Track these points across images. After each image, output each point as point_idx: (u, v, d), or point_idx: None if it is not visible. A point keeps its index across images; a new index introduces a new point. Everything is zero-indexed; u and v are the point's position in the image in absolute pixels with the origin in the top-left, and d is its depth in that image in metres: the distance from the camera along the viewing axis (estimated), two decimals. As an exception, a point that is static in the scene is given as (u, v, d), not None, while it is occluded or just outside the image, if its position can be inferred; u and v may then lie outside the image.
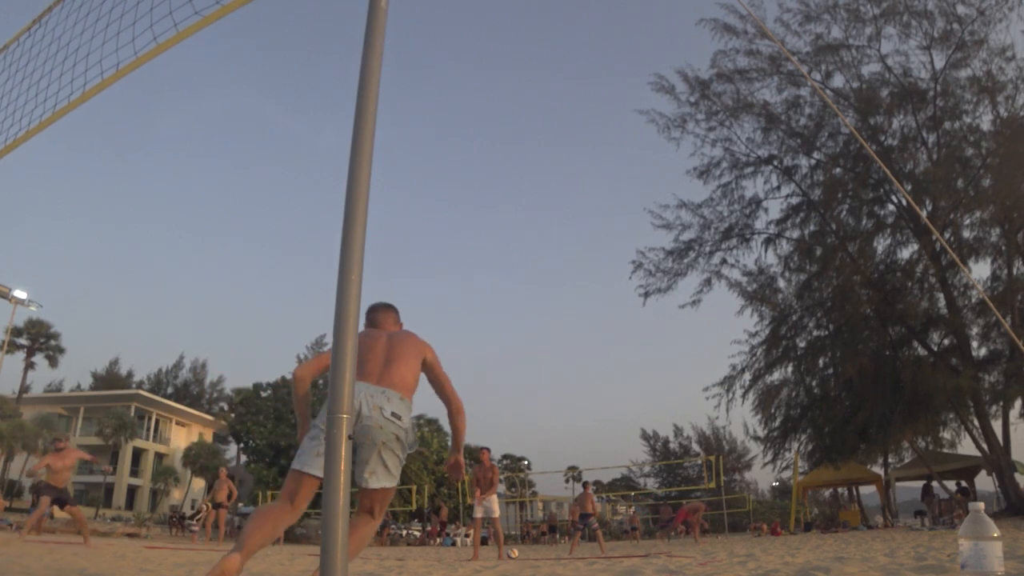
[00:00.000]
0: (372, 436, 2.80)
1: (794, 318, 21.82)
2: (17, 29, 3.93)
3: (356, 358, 2.05)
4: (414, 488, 31.12)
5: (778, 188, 21.90)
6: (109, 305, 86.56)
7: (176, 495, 46.44)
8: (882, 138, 19.89)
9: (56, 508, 8.95)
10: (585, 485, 14.87)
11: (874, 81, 19.82)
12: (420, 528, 31.39)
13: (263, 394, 34.45)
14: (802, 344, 21.78)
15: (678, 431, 61.39)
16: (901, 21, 18.88)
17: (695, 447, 58.25)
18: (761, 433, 22.64)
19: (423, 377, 3.26)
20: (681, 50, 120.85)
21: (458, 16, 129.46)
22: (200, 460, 41.30)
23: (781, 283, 22.21)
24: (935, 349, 20.11)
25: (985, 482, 22.13)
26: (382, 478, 2.85)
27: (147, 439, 46.62)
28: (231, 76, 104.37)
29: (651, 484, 56.75)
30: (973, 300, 18.78)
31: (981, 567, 2.60)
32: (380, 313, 3.46)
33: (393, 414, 2.85)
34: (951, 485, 23.37)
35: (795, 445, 22.50)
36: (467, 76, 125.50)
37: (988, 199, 17.55)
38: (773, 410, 21.87)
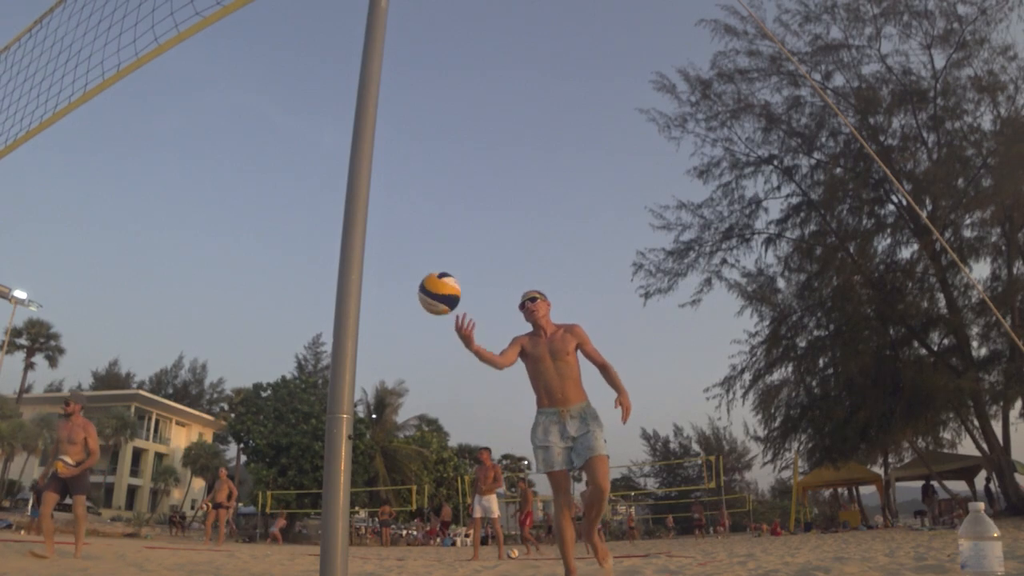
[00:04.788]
0: None
1: (794, 318, 21.79)
2: (18, 30, 3.93)
3: (355, 358, 2.06)
4: (414, 488, 31.12)
5: (778, 188, 21.88)
6: (109, 305, 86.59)
7: (176, 495, 46.43)
8: (882, 138, 19.87)
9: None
10: None
11: (874, 81, 19.81)
12: (428, 528, 31.41)
13: (263, 394, 34.42)
14: (802, 344, 21.76)
15: (678, 431, 61.33)
16: (901, 21, 18.87)
17: (695, 447, 58.19)
18: (761, 433, 22.63)
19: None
20: (682, 50, 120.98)
21: (458, 16, 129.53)
22: (200, 460, 41.27)
23: (781, 283, 22.20)
24: (935, 349, 20.10)
25: (983, 482, 22.13)
26: None
27: (147, 439, 46.62)
28: (231, 75, 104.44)
29: (651, 484, 56.72)
30: (973, 300, 18.77)
31: (981, 567, 2.60)
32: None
33: None
34: (952, 485, 23.38)
35: (795, 445, 22.49)
36: (464, 76, 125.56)
37: (989, 199, 17.53)
38: (773, 410, 21.84)
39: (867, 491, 30.39)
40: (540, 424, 3.84)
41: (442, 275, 3.38)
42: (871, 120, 19.76)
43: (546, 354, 3.89)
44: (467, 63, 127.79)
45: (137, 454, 45.57)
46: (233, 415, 37.28)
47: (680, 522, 34.18)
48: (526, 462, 53.89)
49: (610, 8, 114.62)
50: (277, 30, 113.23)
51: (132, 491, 44.91)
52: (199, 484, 45.66)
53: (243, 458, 35.84)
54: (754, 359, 22.04)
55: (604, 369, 3.92)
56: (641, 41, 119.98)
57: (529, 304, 4.03)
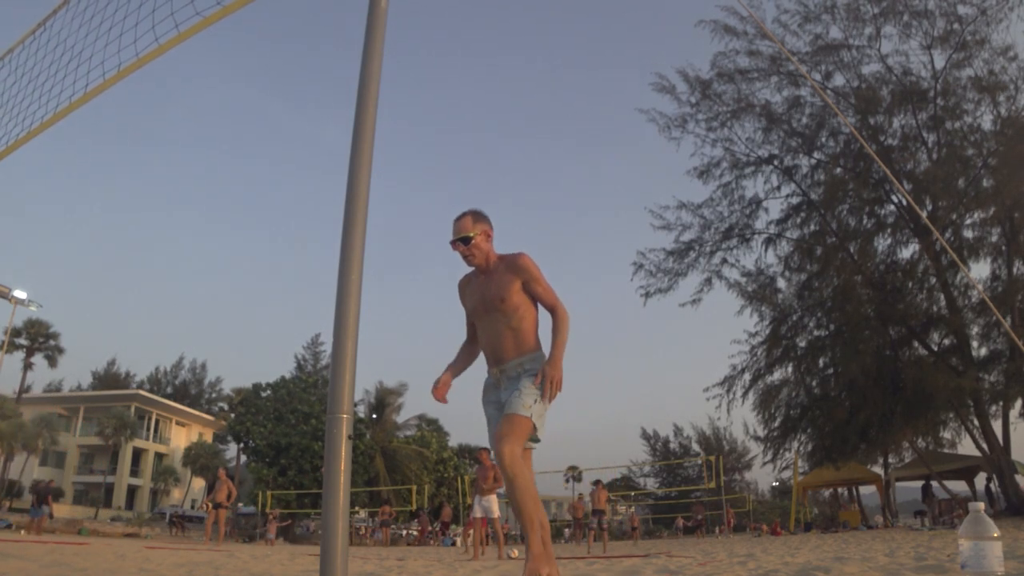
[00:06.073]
0: None
1: (794, 318, 21.79)
2: (22, 32, 3.94)
3: (355, 358, 2.05)
4: (414, 488, 31.13)
5: (778, 188, 21.88)
6: (109, 305, 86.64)
7: (176, 495, 46.45)
8: (882, 138, 19.87)
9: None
10: (597, 483, 14.96)
11: (874, 81, 19.80)
12: (419, 528, 31.44)
13: (263, 394, 34.45)
14: (802, 344, 21.75)
15: (678, 431, 61.35)
16: (901, 21, 18.86)
17: (695, 447, 58.20)
18: (761, 433, 22.64)
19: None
20: (682, 49, 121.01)
21: (458, 12, 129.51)
22: (200, 460, 41.34)
23: (781, 283, 22.20)
24: (935, 349, 20.10)
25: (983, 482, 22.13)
26: None
27: (147, 439, 46.63)
28: (230, 72, 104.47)
29: (651, 484, 56.74)
30: (973, 300, 18.77)
31: (981, 567, 2.60)
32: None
33: None
34: (952, 485, 23.37)
35: (795, 445, 22.50)
36: (466, 70, 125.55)
37: (989, 199, 17.53)
38: (773, 410, 21.84)
39: (867, 491, 30.45)
40: (482, 394, 3.08)
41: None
42: (871, 120, 19.76)
43: (479, 304, 3.01)
44: (466, 58, 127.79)
45: (137, 454, 45.58)
46: (233, 415, 37.30)
47: (685, 521, 34.24)
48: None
49: (610, 7, 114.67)
50: (279, 27, 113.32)
51: (132, 491, 44.91)
52: (199, 484, 45.70)
53: (243, 458, 35.86)
54: (754, 359, 22.05)
55: (552, 314, 2.97)
56: (641, 40, 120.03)
57: (461, 248, 2.98)
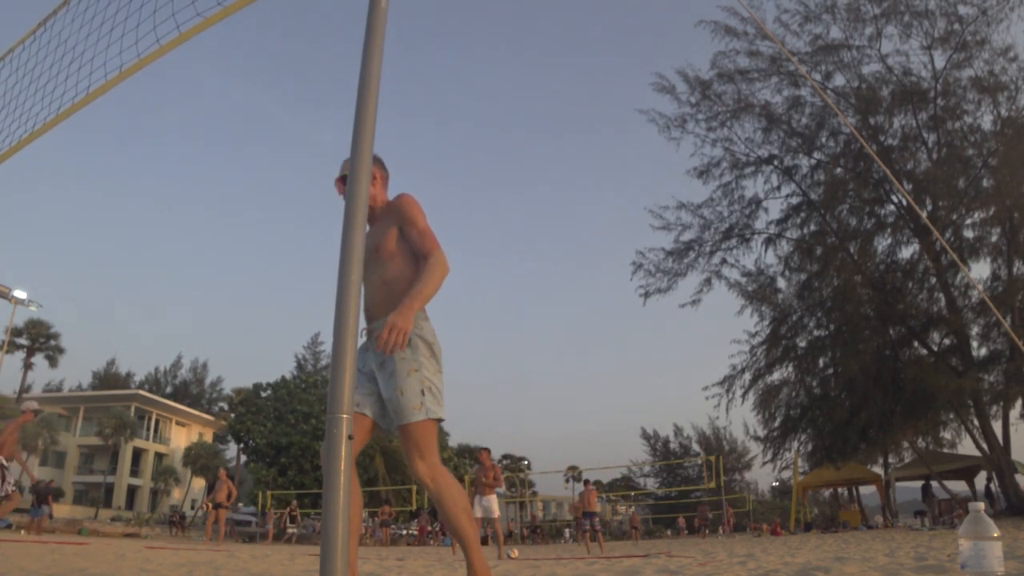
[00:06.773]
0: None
1: (794, 318, 21.80)
2: (22, 32, 3.94)
3: (355, 357, 2.05)
4: (414, 488, 31.12)
5: (778, 188, 21.90)
6: (109, 305, 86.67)
7: (176, 495, 46.45)
8: (882, 138, 19.88)
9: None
10: (586, 483, 14.98)
11: (874, 81, 19.81)
12: (419, 528, 31.43)
13: (263, 394, 34.47)
14: (802, 344, 21.77)
15: (678, 431, 61.44)
16: (902, 21, 18.88)
17: (695, 447, 58.28)
18: (761, 433, 22.65)
19: None
20: (683, 48, 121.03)
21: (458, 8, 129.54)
22: (200, 460, 41.34)
23: (781, 283, 22.22)
24: (935, 349, 20.11)
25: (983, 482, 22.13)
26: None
27: (147, 439, 46.65)
28: (230, 72, 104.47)
29: (651, 484, 56.79)
30: (973, 300, 18.78)
31: (981, 567, 2.60)
32: None
33: None
34: (952, 485, 23.38)
35: (795, 445, 22.51)
36: (466, 69, 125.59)
37: (989, 199, 17.54)
38: (773, 410, 21.85)
39: (867, 491, 30.45)
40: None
41: None
42: (871, 120, 19.77)
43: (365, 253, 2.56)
44: (466, 57, 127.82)
45: (137, 454, 45.60)
46: (233, 415, 37.32)
47: (687, 521, 34.26)
48: (526, 462, 53.92)
49: (610, 7, 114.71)
50: (279, 26, 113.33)
51: (132, 491, 44.93)
52: (199, 484, 45.70)
53: (243, 458, 35.87)
54: (754, 359, 22.06)
55: (424, 262, 2.52)
56: (641, 40, 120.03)
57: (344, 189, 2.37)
